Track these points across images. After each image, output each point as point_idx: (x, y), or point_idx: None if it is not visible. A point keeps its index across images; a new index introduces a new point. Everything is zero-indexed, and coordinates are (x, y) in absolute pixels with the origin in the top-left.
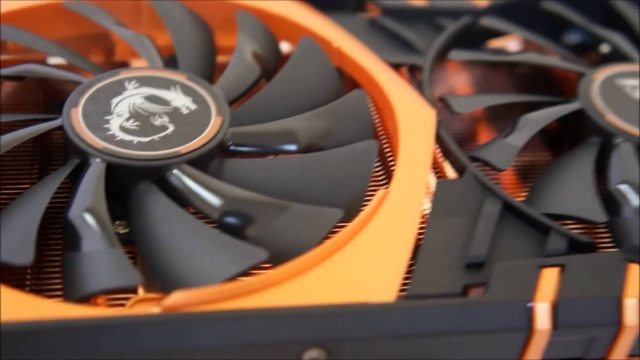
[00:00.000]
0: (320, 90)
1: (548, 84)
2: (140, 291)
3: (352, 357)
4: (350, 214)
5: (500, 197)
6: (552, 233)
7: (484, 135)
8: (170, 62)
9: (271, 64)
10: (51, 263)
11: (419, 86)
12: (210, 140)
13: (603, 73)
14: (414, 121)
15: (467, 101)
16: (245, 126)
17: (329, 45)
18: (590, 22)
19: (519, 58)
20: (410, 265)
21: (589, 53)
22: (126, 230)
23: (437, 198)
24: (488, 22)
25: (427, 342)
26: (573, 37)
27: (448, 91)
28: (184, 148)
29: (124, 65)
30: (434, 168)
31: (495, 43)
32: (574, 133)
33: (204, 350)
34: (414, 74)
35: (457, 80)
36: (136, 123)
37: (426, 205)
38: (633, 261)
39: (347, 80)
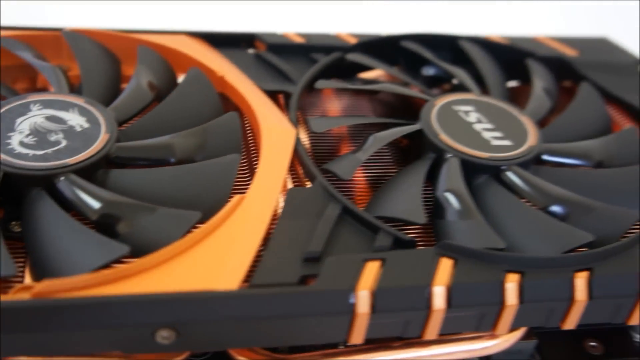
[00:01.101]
0: (202, 112)
1: (408, 109)
2: (26, 280)
3: (200, 337)
4: (213, 216)
5: (341, 203)
6: (380, 232)
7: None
8: (79, 88)
9: (165, 90)
10: None
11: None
12: (96, 153)
13: (442, 100)
14: (275, 138)
15: (324, 122)
16: (130, 142)
17: (214, 74)
18: (441, 59)
19: (376, 87)
20: (258, 260)
21: (444, 84)
22: (20, 229)
23: (288, 203)
24: (353, 57)
25: (265, 324)
26: (430, 71)
27: (321, 114)
28: (72, 160)
29: (45, 91)
30: (296, 178)
31: (372, 74)
32: (417, 149)
33: (68, 332)
34: (288, 100)
35: (331, 105)
36: (34, 139)
37: (280, 209)
38: (444, 256)
39: (231, 104)
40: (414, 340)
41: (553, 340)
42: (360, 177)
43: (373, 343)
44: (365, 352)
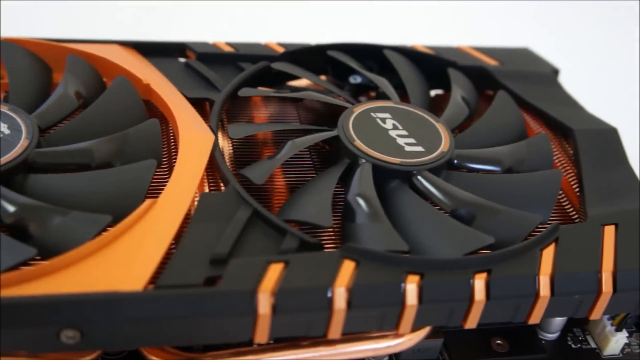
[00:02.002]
0: (125, 119)
1: (332, 116)
2: None
3: (105, 337)
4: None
5: (252, 206)
6: (287, 235)
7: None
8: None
9: (92, 98)
10: None
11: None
12: (15, 159)
13: (361, 107)
14: (193, 144)
15: (241, 129)
16: (51, 147)
17: (140, 82)
18: (368, 67)
19: (300, 95)
20: (166, 261)
21: (371, 92)
22: None
23: (200, 207)
24: (278, 66)
25: (170, 324)
26: (358, 79)
27: (248, 121)
28: None
29: None
30: (214, 183)
31: (303, 82)
32: (335, 155)
33: None
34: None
35: (258, 113)
36: None
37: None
38: (347, 258)
39: (156, 111)
40: (322, 339)
41: (461, 338)
42: (279, 182)
43: (283, 342)
44: (275, 350)
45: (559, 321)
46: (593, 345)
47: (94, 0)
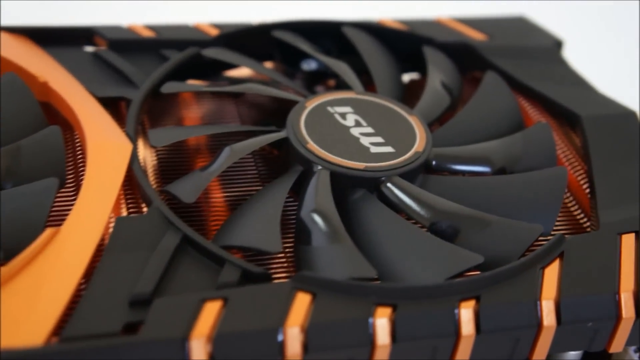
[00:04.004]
0: (18, 127)
1: (282, 113)
2: None
3: None
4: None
5: (181, 231)
6: (226, 265)
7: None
8: None
9: None
10: None
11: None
12: None
13: (315, 101)
14: (105, 156)
15: (165, 134)
16: None
17: (36, 80)
18: (321, 50)
19: (237, 88)
20: (74, 306)
21: (329, 80)
22: None
23: (116, 234)
24: (210, 53)
25: None
26: (312, 65)
27: (174, 124)
28: None
29: None
30: (134, 203)
31: (243, 71)
32: (285, 161)
33: None
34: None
35: (188, 113)
36: None
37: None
38: (302, 290)
39: (57, 116)
40: None
41: None
42: (216, 199)
43: None
44: None
45: (572, 357)
46: None
47: None
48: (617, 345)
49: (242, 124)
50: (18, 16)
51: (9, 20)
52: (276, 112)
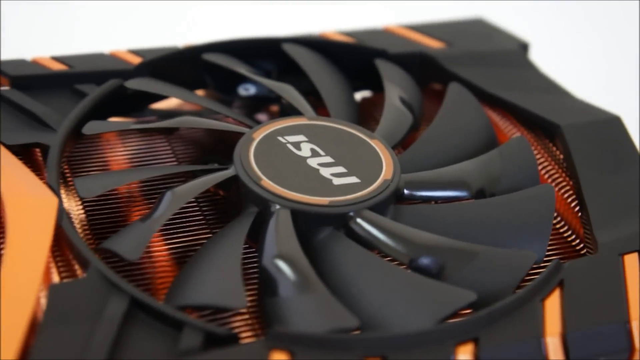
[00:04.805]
0: None
1: (225, 147)
2: None
3: None
4: None
5: (128, 293)
6: (186, 328)
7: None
8: None
9: None
10: None
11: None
12: None
13: (263, 131)
14: (26, 214)
15: (96, 183)
16: None
17: None
18: (260, 72)
19: (171, 123)
20: None
21: (272, 105)
22: None
23: (51, 306)
24: (134, 84)
25: None
26: (251, 90)
27: (102, 170)
28: None
29: None
30: (65, 267)
31: (172, 102)
32: (236, 203)
33: None
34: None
35: (115, 155)
36: None
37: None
38: (277, 349)
39: None
40: None
41: None
42: (160, 253)
43: None
44: None
45: None
46: None
47: None
48: None
49: (179, 163)
50: None
51: None
52: (218, 147)
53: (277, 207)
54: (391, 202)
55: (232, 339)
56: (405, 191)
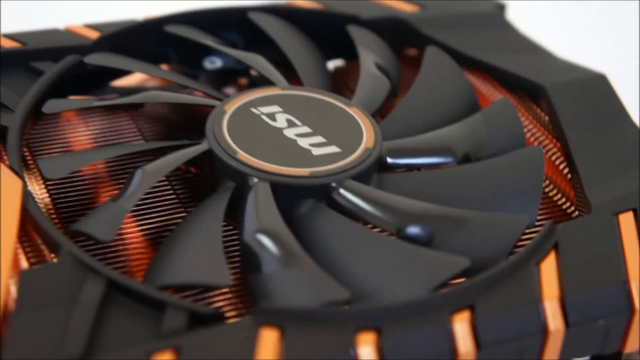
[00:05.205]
0: None
1: (193, 123)
2: None
3: None
4: None
5: (104, 276)
6: (168, 309)
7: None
8: None
9: None
10: None
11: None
12: None
13: (235, 103)
14: None
15: (60, 163)
16: None
17: None
18: (226, 43)
19: (137, 98)
20: None
21: (240, 78)
22: None
23: (23, 293)
24: (93, 60)
25: None
26: (217, 62)
27: (65, 150)
28: None
29: None
30: (34, 252)
31: (135, 78)
32: (211, 179)
33: None
34: (4, 138)
35: (78, 135)
36: None
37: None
38: (266, 325)
39: None
40: None
41: None
42: (134, 234)
43: None
44: None
45: None
46: None
47: None
48: (633, 342)
49: (145, 141)
50: None
51: None
52: (186, 124)
53: (255, 180)
54: (374, 171)
55: (218, 317)
56: (388, 159)
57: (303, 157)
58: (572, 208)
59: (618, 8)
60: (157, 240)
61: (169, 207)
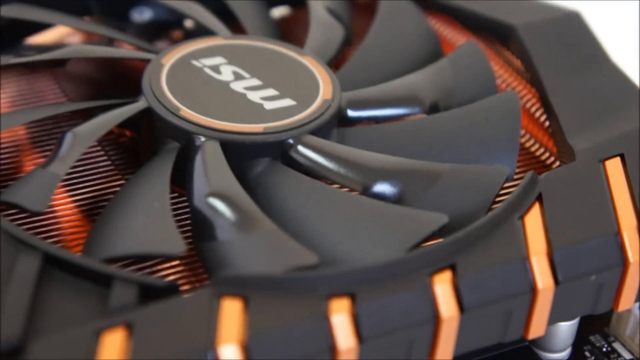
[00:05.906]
0: None
1: (124, 80)
2: None
3: None
4: None
5: (40, 250)
6: (115, 283)
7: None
8: None
9: None
10: None
11: None
12: None
13: (174, 55)
14: None
15: None
16: None
17: None
18: None
19: (61, 54)
20: None
21: (173, 31)
22: None
23: None
24: (6, 11)
25: None
26: (146, 14)
27: None
28: None
29: None
30: None
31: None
32: (150, 141)
33: None
34: None
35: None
36: None
37: None
38: (227, 295)
39: None
40: None
41: None
42: (67, 205)
43: None
44: None
45: (566, 331)
46: (627, 357)
47: None
48: (627, 300)
49: (70, 101)
50: None
51: None
52: (117, 81)
53: (203, 139)
54: (334, 125)
55: (172, 289)
56: (349, 111)
57: (254, 112)
58: (552, 159)
59: (618, 8)
60: (94, 211)
61: (104, 174)
